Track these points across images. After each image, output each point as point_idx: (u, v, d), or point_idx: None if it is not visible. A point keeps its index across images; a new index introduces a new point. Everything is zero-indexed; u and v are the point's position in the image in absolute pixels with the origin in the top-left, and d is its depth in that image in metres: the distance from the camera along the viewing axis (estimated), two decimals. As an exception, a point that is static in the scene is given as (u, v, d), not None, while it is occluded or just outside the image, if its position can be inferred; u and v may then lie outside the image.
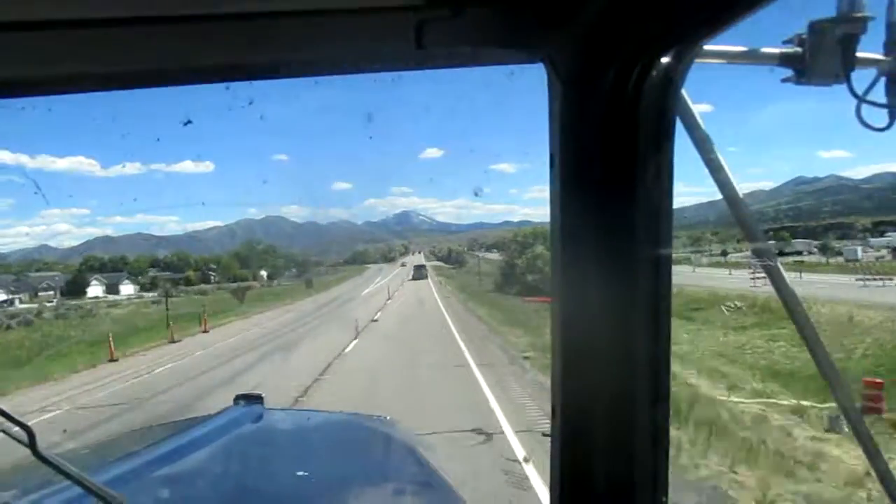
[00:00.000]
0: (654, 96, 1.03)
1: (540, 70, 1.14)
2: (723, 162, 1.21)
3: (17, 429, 1.44)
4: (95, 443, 3.68)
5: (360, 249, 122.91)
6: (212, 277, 77.01)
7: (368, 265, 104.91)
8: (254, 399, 3.30)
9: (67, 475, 1.50)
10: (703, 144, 1.20)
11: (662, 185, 1.07)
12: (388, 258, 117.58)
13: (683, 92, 1.13)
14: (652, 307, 1.09)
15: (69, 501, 1.73)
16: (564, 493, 1.18)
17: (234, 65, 1.23)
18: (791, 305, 1.25)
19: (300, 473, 2.50)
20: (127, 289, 68.72)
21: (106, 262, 75.52)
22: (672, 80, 1.04)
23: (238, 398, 3.31)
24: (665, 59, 1.02)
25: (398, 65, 1.24)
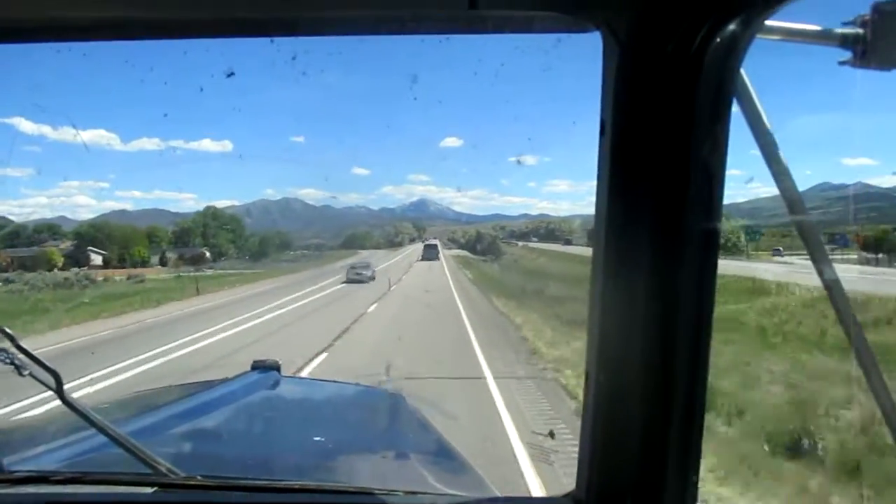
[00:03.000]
0: (713, 67, 1.00)
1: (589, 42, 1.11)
2: (777, 145, 1.17)
3: (45, 373, 1.46)
4: (118, 398, 3.74)
5: (360, 231, 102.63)
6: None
7: (360, 251, 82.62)
8: (271, 367, 3.32)
9: (92, 422, 1.52)
10: (759, 127, 1.17)
11: (717, 162, 1.04)
12: (394, 243, 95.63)
13: (742, 72, 1.10)
14: (697, 282, 1.07)
15: (93, 450, 1.75)
16: (594, 462, 1.17)
17: (280, 19, 1.21)
18: (838, 305, 1.22)
19: (311, 437, 2.52)
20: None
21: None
22: (732, 51, 1.01)
23: (256, 364, 3.33)
24: (727, 29, 0.98)
25: (449, 28, 1.21)
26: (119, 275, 46.29)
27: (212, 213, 74.89)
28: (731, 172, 1.09)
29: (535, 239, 79.75)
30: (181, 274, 48.72)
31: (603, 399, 1.14)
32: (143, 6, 1.13)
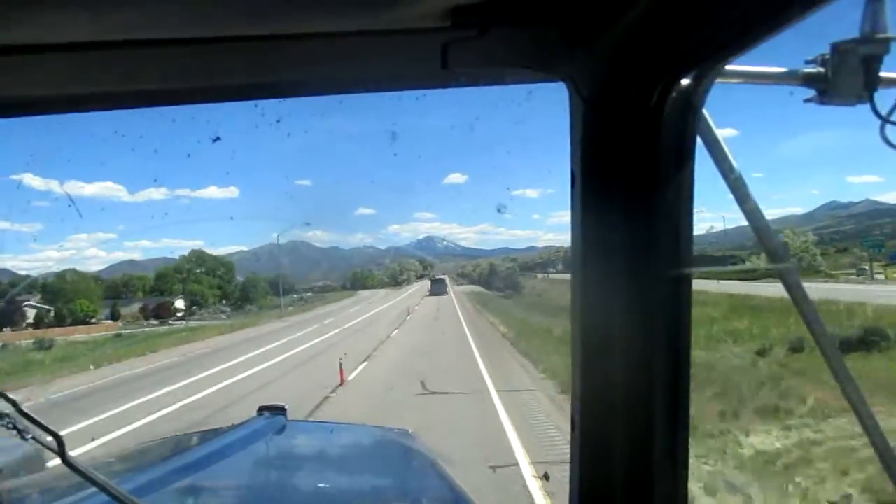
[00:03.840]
0: (675, 116, 1.04)
1: (559, 89, 1.17)
2: (745, 181, 1.21)
3: (49, 438, 1.48)
4: (121, 452, 3.74)
5: (361, 271, 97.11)
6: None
7: (361, 291, 79.48)
8: (277, 410, 3.33)
9: (95, 482, 1.53)
10: (724, 164, 1.21)
11: (683, 205, 1.08)
12: (398, 281, 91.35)
13: (705, 112, 1.14)
14: (672, 325, 1.10)
15: None
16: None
17: (263, 83, 1.27)
18: (809, 319, 1.25)
19: (321, 485, 2.51)
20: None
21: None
22: (694, 99, 1.06)
23: (261, 409, 3.34)
24: (687, 80, 1.03)
25: (423, 84, 1.27)
26: (27, 338, 39.01)
27: (196, 258, 68.07)
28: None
29: (553, 269, 69.86)
30: (121, 332, 42.74)
31: (588, 446, 1.17)
32: (130, 78, 1.19)
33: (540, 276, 67.61)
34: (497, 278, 68.26)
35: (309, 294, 77.43)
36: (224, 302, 64.19)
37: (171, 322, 49.93)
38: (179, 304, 58.56)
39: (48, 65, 1.13)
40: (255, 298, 66.05)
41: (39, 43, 1.07)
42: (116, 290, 63.42)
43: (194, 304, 60.47)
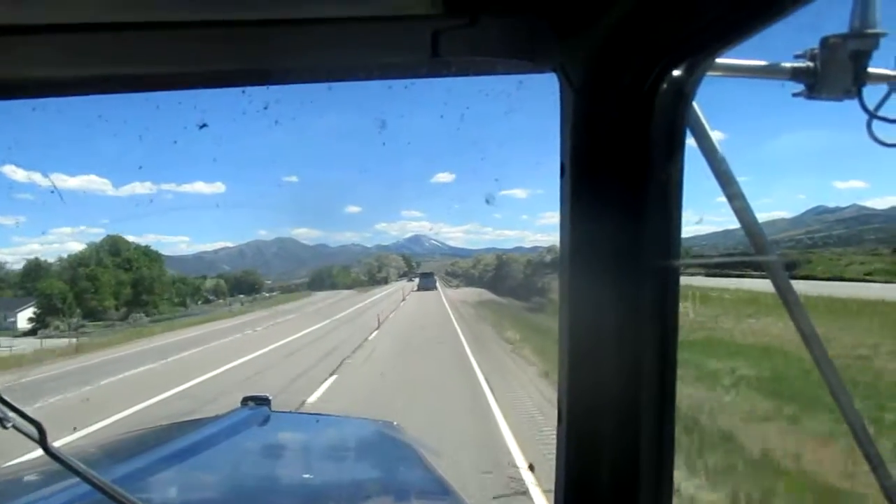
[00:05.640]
0: (666, 106, 1.05)
1: (550, 80, 1.16)
2: (734, 175, 1.22)
3: (29, 425, 1.45)
4: (104, 442, 3.72)
5: (325, 268, 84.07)
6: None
7: (316, 293, 66.49)
8: (261, 401, 3.32)
9: (77, 472, 1.52)
10: (714, 157, 1.21)
11: (673, 196, 1.08)
12: (376, 279, 79.38)
13: (695, 105, 1.14)
14: (660, 318, 1.10)
15: (78, 499, 1.74)
16: (569, 500, 1.19)
17: (250, 70, 1.25)
18: (795, 313, 1.26)
19: (305, 476, 2.51)
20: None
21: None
22: (684, 90, 1.06)
23: (245, 400, 3.33)
24: (678, 71, 1.03)
25: (413, 73, 1.26)
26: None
27: (110, 245, 50.79)
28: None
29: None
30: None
31: (575, 438, 1.17)
32: (115, 62, 1.17)
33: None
34: (510, 279, 46.33)
35: (242, 297, 62.63)
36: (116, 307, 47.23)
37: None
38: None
39: (31, 47, 1.11)
40: (150, 303, 49.17)
41: (22, 24, 1.05)
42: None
43: (47, 312, 43.04)
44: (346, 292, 63.80)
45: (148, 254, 54.68)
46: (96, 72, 1.19)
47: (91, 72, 1.19)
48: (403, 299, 43.43)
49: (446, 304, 38.24)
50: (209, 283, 62.10)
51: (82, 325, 41.23)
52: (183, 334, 32.36)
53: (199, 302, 57.67)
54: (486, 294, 46.24)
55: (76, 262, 49.27)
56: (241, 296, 61.91)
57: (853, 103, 1.32)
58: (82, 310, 45.42)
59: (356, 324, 30.01)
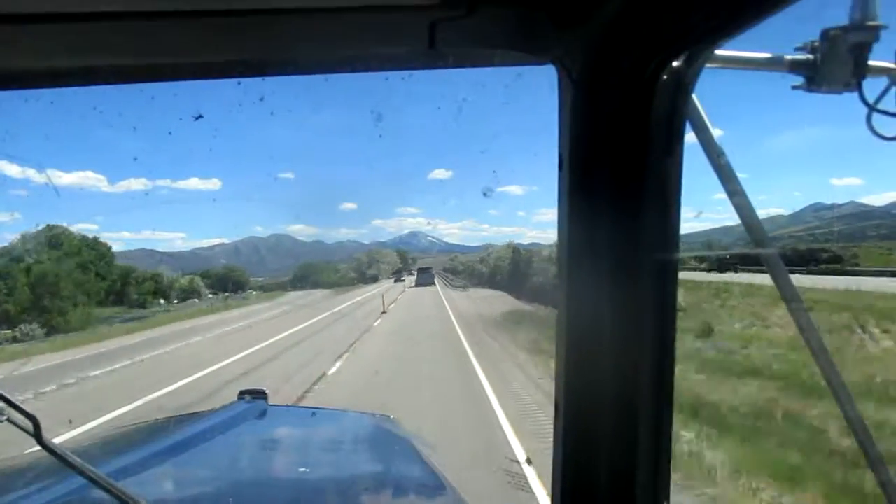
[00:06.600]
0: (665, 98, 1.04)
1: (549, 72, 1.15)
2: (733, 169, 1.21)
3: (23, 418, 1.45)
4: (100, 435, 3.71)
5: (309, 264, 76.75)
6: None
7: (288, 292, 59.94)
8: (258, 395, 3.31)
9: (72, 465, 1.51)
10: (713, 149, 1.20)
11: (672, 187, 1.07)
12: (365, 277, 73.21)
13: (695, 97, 1.13)
14: (658, 312, 1.10)
15: (73, 492, 1.74)
16: (566, 494, 1.18)
17: (246, 60, 1.24)
18: (792, 305, 1.25)
19: (302, 470, 2.50)
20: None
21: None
22: (684, 81, 1.05)
23: (242, 393, 3.32)
24: (677, 62, 1.02)
25: (411, 64, 1.25)
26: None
27: (50, 237, 40.14)
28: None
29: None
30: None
31: (572, 432, 1.17)
32: (110, 52, 1.16)
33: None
34: (535, 279, 33.49)
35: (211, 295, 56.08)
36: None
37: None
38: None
39: (22, 37, 1.09)
40: (52, 309, 34.44)
41: (12, 13, 1.03)
42: None
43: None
44: (318, 293, 54.41)
45: (95, 248, 44.51)
46: (90, 62, 1.18)
47: (84, 62, 1.18)
48: (384, 312, 29.75)
49: (455, 323, 23.41)
50: (184, 281, 57.14)
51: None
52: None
53: (175, 301, 52.50)
54: (504, 298, 33.71)
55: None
56: (211, 295, 55.80)
57: (849, 99, 1.31)
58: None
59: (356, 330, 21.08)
